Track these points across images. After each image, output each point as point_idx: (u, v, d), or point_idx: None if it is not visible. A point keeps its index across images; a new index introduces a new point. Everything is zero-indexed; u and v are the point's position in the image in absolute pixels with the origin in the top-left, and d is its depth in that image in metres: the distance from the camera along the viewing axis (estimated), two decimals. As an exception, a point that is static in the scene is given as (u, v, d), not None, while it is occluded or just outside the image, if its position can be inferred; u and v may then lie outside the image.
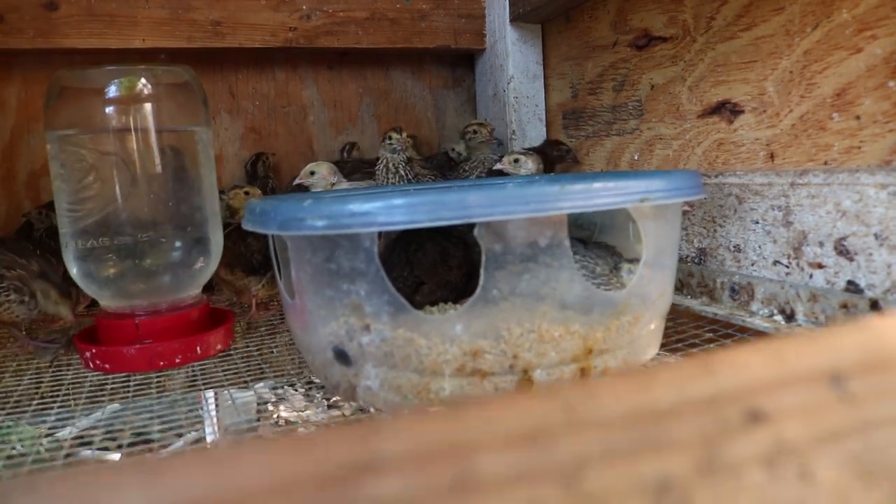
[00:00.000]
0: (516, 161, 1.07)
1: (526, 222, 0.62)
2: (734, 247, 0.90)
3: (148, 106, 0.92)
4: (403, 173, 1.12)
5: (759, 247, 0.86)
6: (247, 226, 0.72)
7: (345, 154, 1.40)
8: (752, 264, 0.87)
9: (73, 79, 0.93)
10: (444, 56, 1.51)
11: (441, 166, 1.33)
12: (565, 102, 1.35)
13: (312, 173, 1.14)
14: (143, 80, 0.91)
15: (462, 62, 1.54)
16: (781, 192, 0.83)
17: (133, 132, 0.92)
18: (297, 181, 1.16)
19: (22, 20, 1.19)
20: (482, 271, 0.63)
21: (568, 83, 1.34)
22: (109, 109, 0.91)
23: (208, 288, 1.04)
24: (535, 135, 1.37)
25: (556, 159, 1.24)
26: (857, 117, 0.80)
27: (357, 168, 1.27)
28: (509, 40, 1.37)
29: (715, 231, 0.93)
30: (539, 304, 0.68)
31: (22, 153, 1.30)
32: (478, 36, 1.44)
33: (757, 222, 0.86)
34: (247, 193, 1.19)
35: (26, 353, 0.98)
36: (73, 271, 0.94)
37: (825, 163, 0.84)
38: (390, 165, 1.13)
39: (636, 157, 1.16)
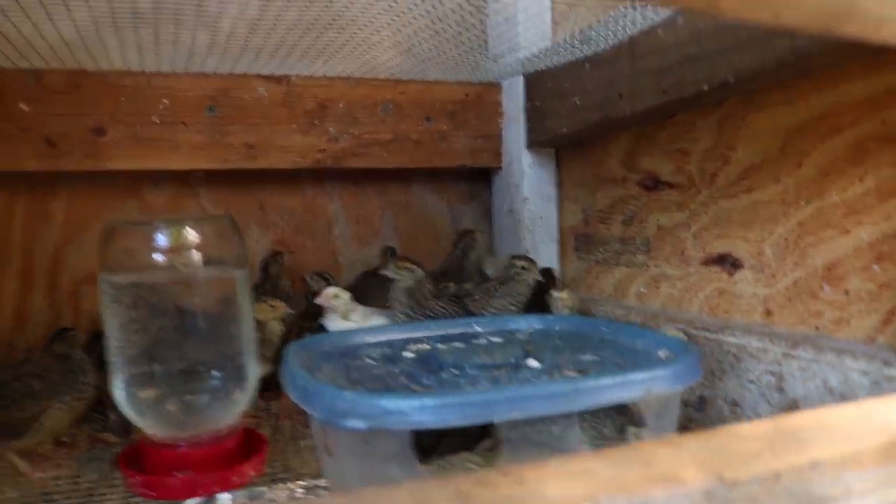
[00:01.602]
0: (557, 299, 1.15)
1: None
2: (731, 401, 0.97)
3: (192, 254, 1.00)
4: (406, 300, 1.18)
5: (755, 405, 0.93)
6: (289, 394, 0.79)
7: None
8: (749, 420, 0.94)
9: (126, 228, 1.01)
10: (462, 171, 1.60)
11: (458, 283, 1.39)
12: (577, 226, 1.44)
13: (336, 296, 1.22)
14: (188, 231, 0.99)
15: (478, 177, 1.63)
16: (775, 359, 0.90)
17: (178, 277, 1.00)
18: (318, 301, 1.23)
19: (71, 144, 1.28)
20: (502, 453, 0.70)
21: (580, 208, 1.42)
22: (157, 256, 0.99)
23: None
24: (548, 254, 1.45)
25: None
26: (846, 292, 0.88)
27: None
28: (525, 163, 1.46)
29: (714, 384, 1.00)
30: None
31: (65, 264, 1.39)
32: (494, 155, 1.53)
33: (753, 382, 0.93)
34: (272, 307, 1.26)
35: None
36: (119, 399, 1.02)
37: (816, 328, 0.91)
38: (393, 296, 1.20)
39: (643, 290, 1.24)
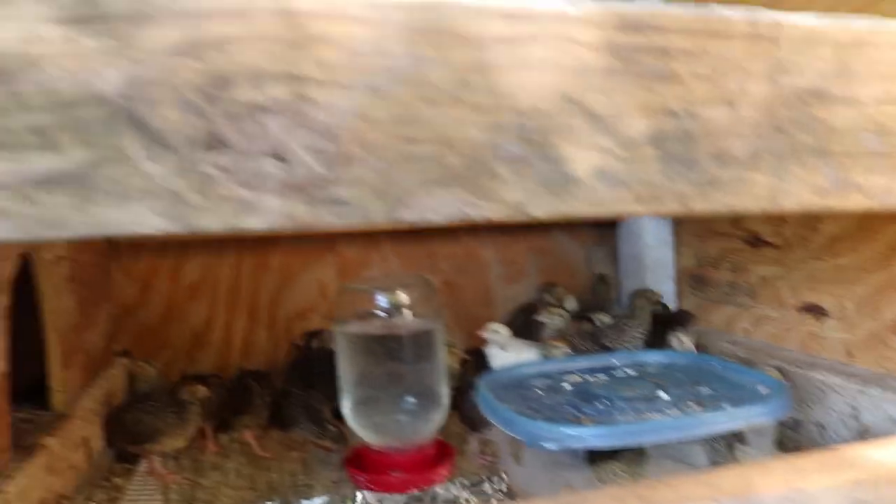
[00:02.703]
0: (680, 341, 1.44)
1: (676, 442, 1.01)
2: (818, 424, 1.25)
3: (403, 311, 1.35)
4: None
5: (836, 429, 1.21)
6: (493, 421, 1.12)
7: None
8: (832, 440, 1.22)
9: (355, 291, 1.37)
10: (594, 221, 1.91)
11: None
12: (691, 269, 1.73)
13: (496, 332, 1.55)
14: (402, 294, 1.34)
15: (607, 225, 1.93)
16: (852, 395, 1.18)
17: (391, 327, 1.35)
18: (481, 332, 1.56)
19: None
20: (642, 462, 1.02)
21: (693, 254, 1.71)
22: (378, 312, 1.34)
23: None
24: (667, 291, 1.74)
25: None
26: (909, 343, 1.15)
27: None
28: (646, 216, 1.76)
29: (805, 410, 1.27)
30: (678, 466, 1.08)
31: (281, 305, 1.77)
32: (621, 208, 1.83)
33: (834, 410, 1.21)
34: (452, 352, 1.59)
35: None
36: (346, 414, 1.37)
37: (886, 370, 1.18)
38: (546, 336, 1.52)
39: (748, 327, 1.52)
